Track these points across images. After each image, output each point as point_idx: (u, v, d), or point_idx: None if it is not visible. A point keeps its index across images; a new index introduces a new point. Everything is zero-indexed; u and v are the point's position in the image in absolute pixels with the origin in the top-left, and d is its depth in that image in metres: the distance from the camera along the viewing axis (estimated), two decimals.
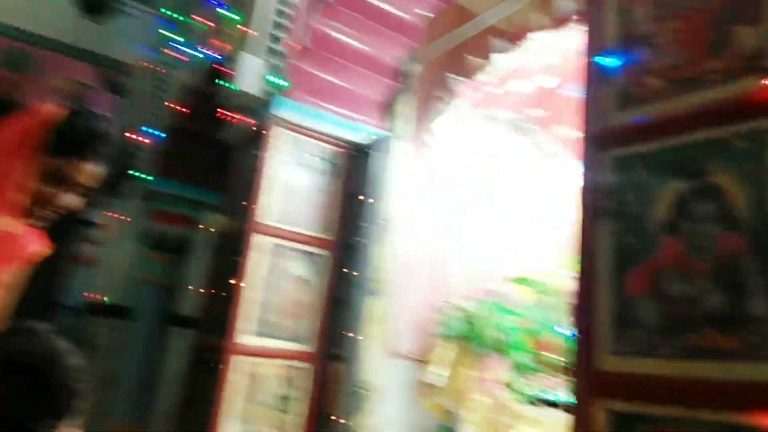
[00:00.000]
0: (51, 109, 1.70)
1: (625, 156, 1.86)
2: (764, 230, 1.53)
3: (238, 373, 3.37)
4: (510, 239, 4.80)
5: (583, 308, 1.80)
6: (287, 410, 3.51)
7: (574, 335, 1.83)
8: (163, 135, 5.73)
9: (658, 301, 1.67)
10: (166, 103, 5.78)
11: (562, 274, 4.56)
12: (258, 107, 3.86)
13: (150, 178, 5.46)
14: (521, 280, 4.38)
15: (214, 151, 5.02)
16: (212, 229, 3.91)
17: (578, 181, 1.94)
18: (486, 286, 4.32)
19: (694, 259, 1.64)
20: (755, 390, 1.44)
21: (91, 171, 1.72)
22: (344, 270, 3.81)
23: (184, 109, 5.49)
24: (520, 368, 3.75)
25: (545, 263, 4.61)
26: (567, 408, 3.28)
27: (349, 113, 4.10)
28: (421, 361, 4.12)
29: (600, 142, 1.93)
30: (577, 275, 1.87)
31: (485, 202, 4.78)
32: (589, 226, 1.87)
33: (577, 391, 1.77)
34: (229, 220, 3.92)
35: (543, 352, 3.90)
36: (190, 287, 5.15)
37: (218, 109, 4.65)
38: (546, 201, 5.13)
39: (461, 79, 4.42)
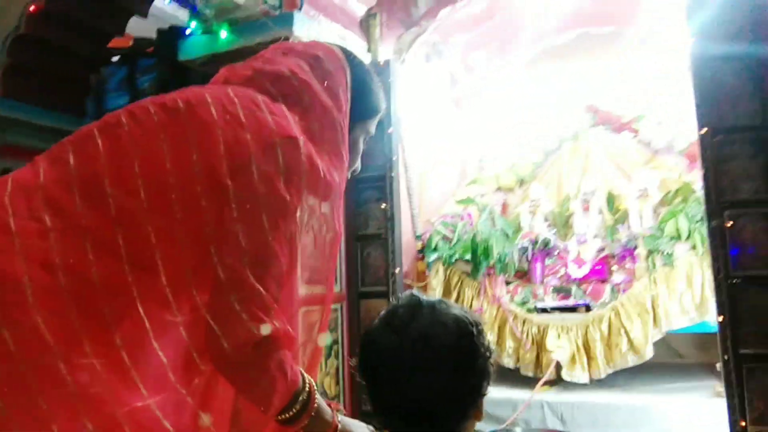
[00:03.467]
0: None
1: None
2: None
3: None
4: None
5: None
6: (332, 355, 3.39)
7: None
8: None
9: None
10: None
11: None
12: (267, 23, 3.29)
13: None
14: (467, 201, 4.63)
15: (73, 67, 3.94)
16: None
17: None
18: (445, 209, 4.49)
19: None
20: None
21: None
22: (364, 202, 3.64)
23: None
24: (507, 283, 4.06)
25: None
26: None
27: (346, 31, 3.72)
28: (412, 285, 4.20)
29: None
30: None
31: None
32: None
33: None
34: None
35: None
36: None
37: None
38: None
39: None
